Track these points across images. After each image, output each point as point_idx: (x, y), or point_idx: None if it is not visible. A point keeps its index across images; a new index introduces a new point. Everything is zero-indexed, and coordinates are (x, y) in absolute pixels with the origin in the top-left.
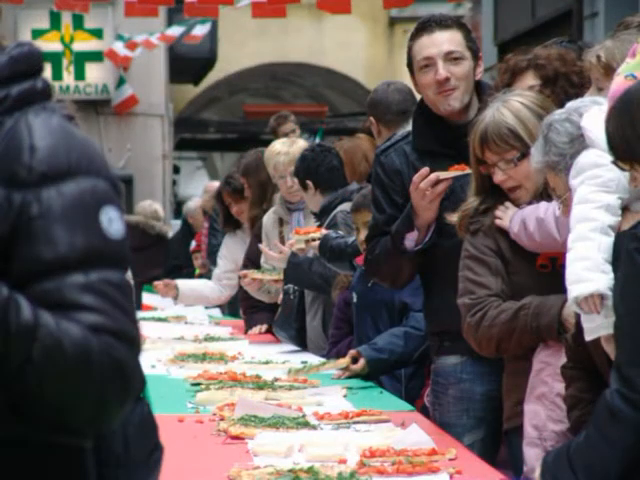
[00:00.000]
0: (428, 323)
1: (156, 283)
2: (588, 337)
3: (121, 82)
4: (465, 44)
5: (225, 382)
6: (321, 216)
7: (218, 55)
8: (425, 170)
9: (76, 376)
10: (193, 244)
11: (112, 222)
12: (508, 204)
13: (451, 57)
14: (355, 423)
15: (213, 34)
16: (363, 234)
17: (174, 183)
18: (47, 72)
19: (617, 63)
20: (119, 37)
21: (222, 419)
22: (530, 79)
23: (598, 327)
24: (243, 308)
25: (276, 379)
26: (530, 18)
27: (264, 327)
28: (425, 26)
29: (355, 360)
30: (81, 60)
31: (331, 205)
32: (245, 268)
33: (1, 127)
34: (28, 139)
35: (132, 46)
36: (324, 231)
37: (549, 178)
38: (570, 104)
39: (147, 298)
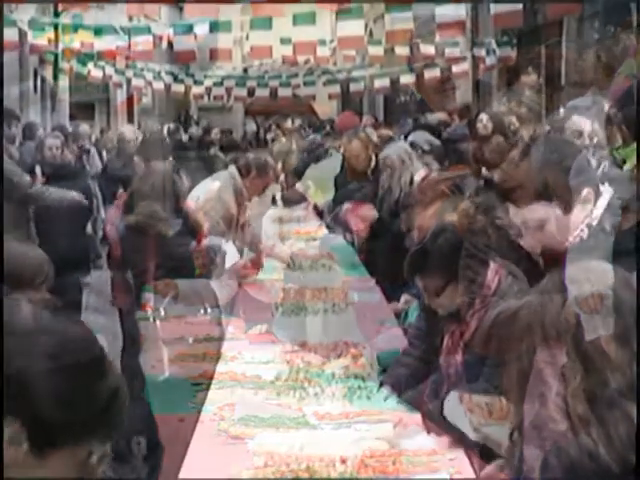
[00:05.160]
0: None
1: (156, 283)
2: (588, 337)
3: None
4: (465, 44)
5: (225, 382)
6: (321, 215)
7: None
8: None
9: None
10: (193, 244)
11: None
12: (508, 205)
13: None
14: (355, 423)
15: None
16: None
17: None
18: (47, 72)
19: (617, 63)
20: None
21: (222, 419)
22: (530, 79)
23: (598, 327)
24: (243, 308)
25: (276, 379)
26: (530, 18)
27: (264, 327)
28: None
29: (355, 360)
30: (81, 60)
31: (331, 204)
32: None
33: None
34: None
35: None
36: (324, 231)
37: (549, 178)
38: (570, 104)
39: (147, 298)
